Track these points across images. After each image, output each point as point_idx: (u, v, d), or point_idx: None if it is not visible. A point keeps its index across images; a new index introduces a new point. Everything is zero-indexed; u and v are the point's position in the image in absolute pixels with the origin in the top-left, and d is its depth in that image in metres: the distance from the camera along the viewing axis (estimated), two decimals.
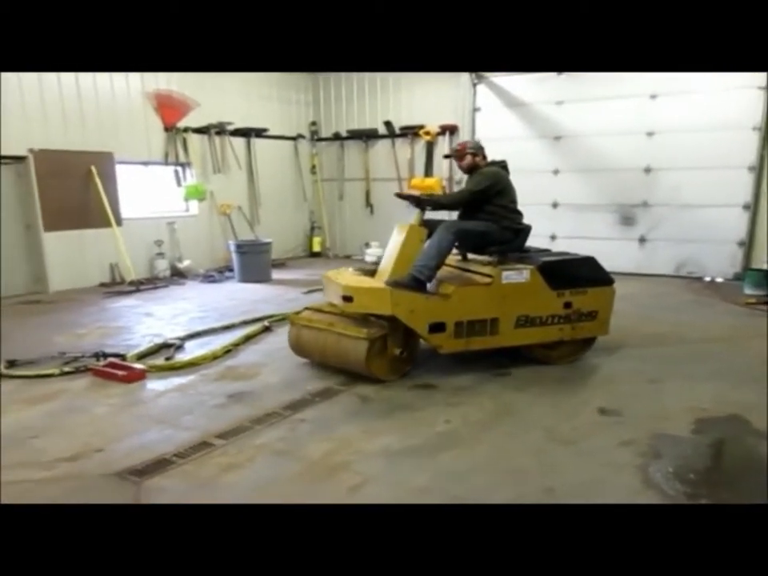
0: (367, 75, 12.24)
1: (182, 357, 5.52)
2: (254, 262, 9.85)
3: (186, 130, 10.53)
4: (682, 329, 6.40)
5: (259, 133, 11.78)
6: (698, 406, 4.20)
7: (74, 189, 9.15)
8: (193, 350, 5.74)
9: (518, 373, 4.99)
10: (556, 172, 10.62)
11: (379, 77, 12.10)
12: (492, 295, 4.78)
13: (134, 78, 9.78)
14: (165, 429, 4.00)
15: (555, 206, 10.70)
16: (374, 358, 4.61)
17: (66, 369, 5.15)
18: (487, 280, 4.84)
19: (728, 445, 3.62)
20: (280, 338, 5.94)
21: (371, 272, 5.23)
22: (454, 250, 5.19)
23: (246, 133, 11.56)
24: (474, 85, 11.16)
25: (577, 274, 5.05)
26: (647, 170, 9.83)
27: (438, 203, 5.15)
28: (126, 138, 9.76)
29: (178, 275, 10.40)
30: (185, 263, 10.57)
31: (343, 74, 12.52)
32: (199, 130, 10.79)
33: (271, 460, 3.54)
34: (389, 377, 4.75)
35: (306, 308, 5.32)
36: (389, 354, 4.72)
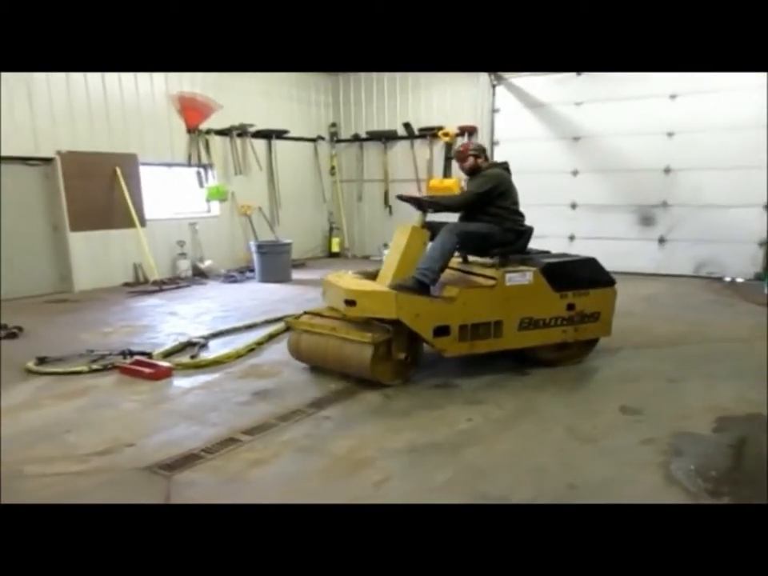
0: (386, 77, 12.33)
1: (206, 355, 5.63)
2: (275, 262, 9.97)
3: (208, 131, 10.68)
4: (702, 329, 6.40)
5: (280, 134, 11.91)
6: (718, 405, 4.22)
7: (99, 190, 9.33)
8: (217, 349, 5.84)
9: (537, 372, 5.03)
10: (575, 173, 10.62)
11: (398, 78, 12.18)
12: (496, 298, 4.75)
13: (159, 80, 9.95)
14: (192, 425, 4.10)
15: (574, 206, 10.71)
16: (379, 363, 4.54)
17: (95, 366, 5.28)
18: (491, 282, 4.80)
19: (749, 443, 3.64)
20: None
21: (372, 275, 5.17)
22: (455, 253, 5.13)
23: (266, 134, 11.70)
24: (493, 86, 11.19)
25: (579, 276, 5.04)
26: (667, 171, 9.81)
27: (440, 205, 5.07)
28: (149, 140, 9.94)
29: (199, 275, 10.54)
30: (206, 263, 10.71)
31: (363, 76, 12.62)
32: (221, 132, 10.95)
33: (297, 456, 3.62)
34: (393, 381, 4.70)
35: (305, 312, 5.24)
36: (393, 358, 4.64)
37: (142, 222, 9.81)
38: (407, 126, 12.07)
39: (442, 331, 4.63)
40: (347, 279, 5.06)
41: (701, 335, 6.15)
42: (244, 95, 11.26)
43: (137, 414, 4.31)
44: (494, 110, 11.32)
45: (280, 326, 6.50)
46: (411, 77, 12.01)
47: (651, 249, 10.13)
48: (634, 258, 10.18)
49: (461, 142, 11.52)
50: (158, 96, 10.00)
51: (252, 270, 10.37)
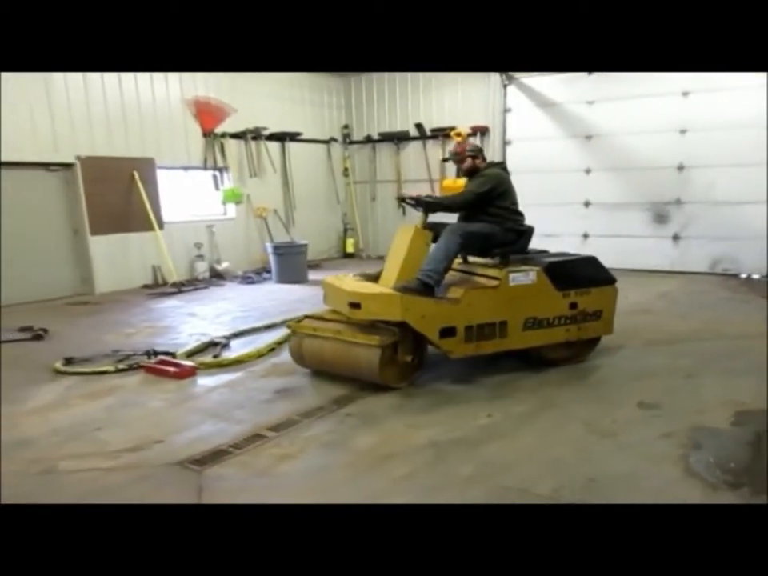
0: (398, 78, 12.43)
1: (228, 354, 5.74)
2: (291, 263, 10.09)
3: (223, 135, 10.83)
4: (718, 325, 6.44)
5: (293, 137, 12.04)
6: (735, 400, 4.27)
7: (117, 194, 9.49)
8: (238, 348, 5.95)
9: (553, 370, 5.09)
10: (588, 171, 10.66)
11: (410, 80, 12.27)
12: (500, 298, 4.73)
13: (174, 85, 10.10)
14: (218, 422, 4.20)
15: (587, 205, 10.74)
16: (386, 366, 4.51)
17: (121, 366, 5.41)
18: (495, 283, 4.78)
19: (766, 436, 3.69)
20: None
21: (374, 277, 5.11)
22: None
23: (280, 137, 11.83)
24: (505, 86, 11.26)
25: (581, 274, 5.04)
26: (680, 168, 9.83)
27: (440, 205, 5.05)
28: (166, 144, 10.10)
29: (216, 277, 10.68)
30: (223, 265, 10.85)
31: (374, 77, 12.72)
32: (236, 135, 11.09)
33: (322, 451, 3.71)
34: (399, 384, 4.68)
35: (306, 316, 5.20)
36: (400, 360, 4.62)
37: (160, 225, 9.96)
38: (419, 126, 12.15)
39: (447, 333, 4.61)
40: (349, 282, 5.01)
41: (716, 332, 6.19)
42: (258, 98, 11.40)
43: (164, 412, 4.42)
44: (505, 110, 11.38)
45: None
46: (422, 78, 12.10)
47: (665, 246, 10.15)
48: (648, 256, 10.21)
49: (473, 141, 11.62)
50: (173, 101, 10.15)
51: (268, 271, 10.49)
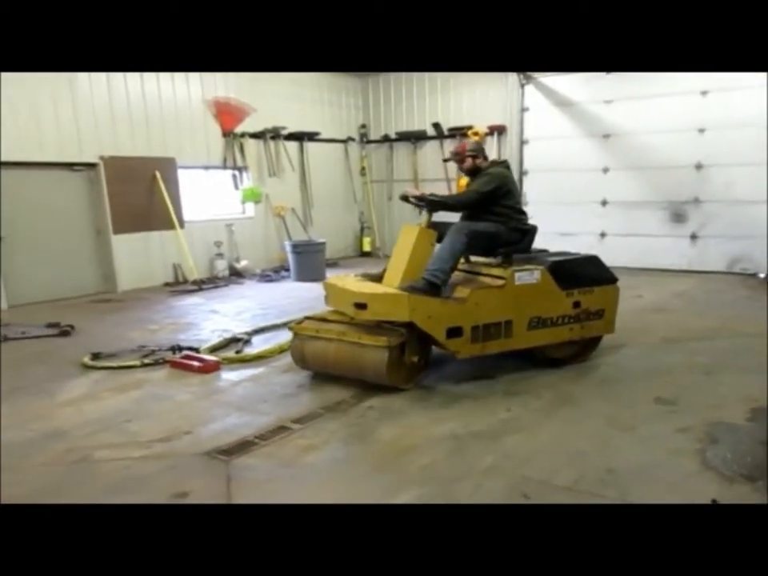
0: (415, 78, 12.51)
1: (250, 350, 5.86)
2: (309, 261, 10.20)
3: (243, 135, 10.99)
4: (736, 323, 6.46)
5: (311, 136, 12.17)
6: (752, 397, 4.31)
7: (139, 193, 9.67)
8: (259, 344, 6.07)
9: (573, 366, 5.16)
10: (605, 170, 10.68)
11: (427, 79, 12.35)
12: (506, 297, 4.70)
13: (195, 86, 10.26)
14: (243, 414, 4.32)
15: (604, 203, 10.76)
16: (393, 367, 4.46)
17: (146, 361, 5.54)
18: (500, 282, 4.75)
19: None
20: None
21: (377, 277, 5.07)
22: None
23: (299, 137, 11.96)
24: (522, 85, 11.31)
25: (584, 273, 5.04)
26: (698, 167, 9.83)
27: (445, 204, 5.02)
28: (187, 144, 10.27)
29: (235, 275, 10.82)
30: (242, 263, 11.00)
31: (392, 77, 12.82)
32: (255, 135, 11.25)
33: (345, 442, 3.82)
34: (406, 385, 4.65)
35: (307, 317, 5.10)
36: (406, 361, 4.61)
37: (181, 224, 10.13)
38: (436, 125, 12.22)
39: (454, 333, 4.57)
40: (353, 282, 4.95)
41: (734, 330, 6.22)
42: (276, 99, 11.53)
43: (190, 405, 4.55)
44: (523, 109, 11.43)
45: None
46: (440, 78, 12.17)
47: (683, 245, 10.15)
48: (665, 255, 10.22)
49: (490, 141, 11.68)
50: (194, 101, 10.32)
51: (287, 270, 10.62)
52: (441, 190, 11.51)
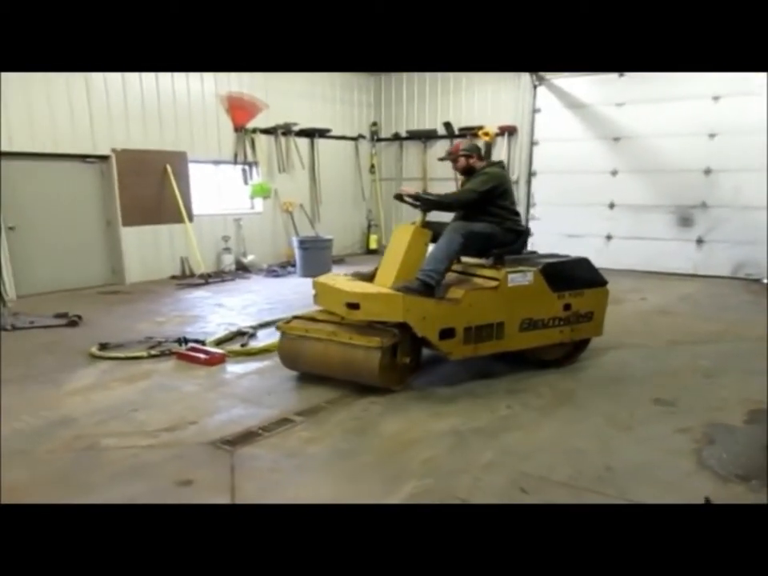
0: (428, 77, 12.56)
1: (255, 344, 5.93)
2: (316, 257, 10.26)
3: (254, 130, 11.04)
4: (740, 327, 6.49)
5: (322, 133, 12.23)
6: (752, 399, 4.35)
7: (150, 186, 9.74)
8: (265, 339, 6.12)
9: (575, 366, 5.21)
10: (614, 173, 10.71)
11: (440, 79, 12.39)
12: (499, 298, 4.65)
13: (209, 81, 10.33)
14: (248, 406, 4.39)
15: (612, 206, 10.79)
16: (385, 368, 4.41)
17: (153, 352, 5.62)
18: (493, 283, 4.69)
19: None
20: None
21: (368, 277, 5.01)
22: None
23: (309, 133, 12.02)
24: (535, 87, 11.33)
25: (575, 276, 5.03)
26: (707, 172, 9.84)
27: (441, 203, 4.96)
28: (199, 138, 10.34)
29: (242, 269, 10.90)
30: (249, 258, 11.07)
31: (404, 76, 12.87)
32: (267, 131, 11.30)
33: (348, 435, 3.87)
34: (397, 386, 4.60)
35: (295, 317, 5.01)
36: (399, 362, 4.57)
37: (190, 218, 10.20)
38: (447, 125, 12.26)
39: (446, 334, 4.53)
40: (344, 282, 4.86)
41: (738, 334, 6.25)
42: (289, 95, 11.59)
43: (196, 396, 4.62)
44: (534, 110, 11.46)
45: None
46: (453, 77, 12.21)
47: (689, 249, 10.17)
48: (671, 259, 10.25)
49: (501, 141, 11.72)
50: (207, 96, 10.38)
51: (293, 265, 10.69)
52: (450, 189, 11.53)
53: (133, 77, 9.32)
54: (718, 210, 9.85)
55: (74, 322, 6.86)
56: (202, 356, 5.42)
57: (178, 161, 10.02)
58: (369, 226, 13.66)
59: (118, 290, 9.20)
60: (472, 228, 4.78)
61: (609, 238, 10.83)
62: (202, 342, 5.85)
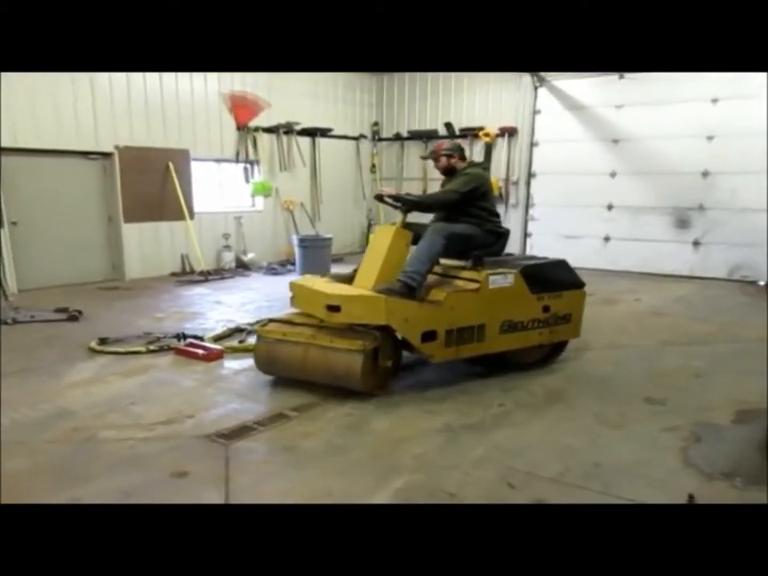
0: (429, 78, 12.62)
1: (253, 341, 5.97)
2: (315, 256, 10.32)
3: (256, 129, 11.12)
4: (734, 329, 6.56)
5: (324, 132, 12.29)
6: (741, 399, 4.42)
7: (152, 183, 9.81)
8: None
9: (567, 365, 5.28)
10: (613, 174, 10.77)
11: (441, 79, 12.46)
12: (480, 300, 4.61)
13: (212, 79, 10.40)
14: (245, 402, 4.45)
15: (610, 208, 10.85)
16: (367, 372, 4.33)
17: (152, 347, 5.69)
18: (474, 285, 4.64)
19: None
20: None
21: (347, 279, 4.94)
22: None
23: (311, 132, 12.08)
24: (536, 88, 11.38)
25: (554, 278, 5.03)
26: (705, 174, 9.90)
27: (422, 204, 4.96)
28: (201, 137, 10.42)
29: (242, 267, 10.97)
30: (249, 256, 11.15)
31: (406, 77, 12.94)
32: (269, 130, 11.37)
33: (341, 431, 3.94)
34: (379, 391, 4.54)
35: (271, 320, 4.92)
36: (380, 366, 4.49)
37: (191, 215, 10.27)
38: (448, 125, 12.31)
39: (428, 336, 4.47)
40: (323, 284, 4.77)
41: (732, 335, 6.31)
42: (291, 94, 11.66)
43: (194, 390, 4.68)
44: (535, 112, 11.51)
45: None
46: (454, 78, 12.28)
47: (686, 251, 10.24)
48: (667, 260, 10.31)
49: (501, 142, 11.78)
50: (210, 94, 10.46)
51: (293, 263, 10.75)
52: None
53: (137, 75, 9.40)
54: (715, 212, 9.91)
55: (74, 317, 6.92)
56: (200, 352, 5.48)
57: (181, 158, 10.09)
58: (369, 225, 13.72)
59: (119, 285, 9.27)
60: (453, 229, 4.74)
61: (607, 239, 10.89)
62: (201, 338, 5.92)
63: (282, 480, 3.29)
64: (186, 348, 5.61)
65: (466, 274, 4.81)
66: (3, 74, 7.91)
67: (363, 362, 4.25)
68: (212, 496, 3.10)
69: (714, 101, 9.71)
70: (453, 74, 12.26)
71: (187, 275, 10.11)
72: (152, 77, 9.59)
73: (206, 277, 9.82)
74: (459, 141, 12.14)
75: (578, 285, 5.20)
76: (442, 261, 5.02)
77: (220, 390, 4.69)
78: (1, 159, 8.06)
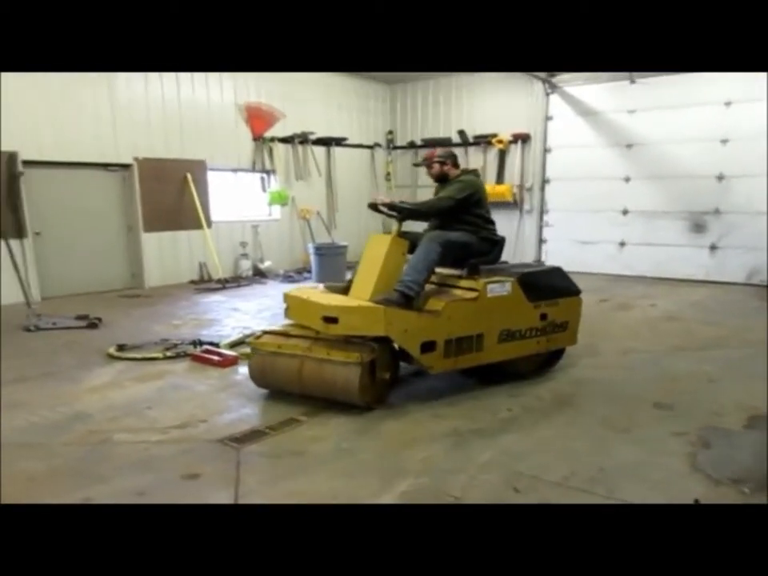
0: (442, 85, 12.70)
1: None
2: (331, 263, 10.42)
3: (272, 139, 11.29)
4: (748, 333, 6.51)
5: (339, 142, 12.43)
6: (752, 405, 4.41)
7: (170, 194, 10.00)
8: None
9: (575, 370, 5.30)
10: (627, 179, 10.75)
11: (454, 87, 12.55)
12: (478, 310, 4.55)
13: (228, 91, 10.60)
14: (257, 406, 4.54)
15: (625, 212, 10.83)
16: (365, 384, 4.24)
17: (169, 353, 5.80)
18: (473, 294, 4.58)
19: None
20: None
21: (342, 289, 4.84)
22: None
23: (326, 142, 12.23)
24: (548, 94, 11.42)
25: (551, 285, 5.00)
26: (720, 178, 9.85)
27: (417, 212, 4.91)
28: (218, 147, 10.60)
29: (259, 275, 11.10)
30: (266, 264, 11.28)
31: (420, 84, 13.03)
32: (284, 140, 11.54)
33: (351, 435, 4.00)
34: (377, 404, 4.42)
35: (266, 332, 4.82)
36: (378, 378, 4.40)
37: (209, 224, 10.43)
38: (462, 133, 12.38)
39: (427, 347, 4.39)
40: (319, 295, 4.69)
41: (745, 340, 6.27)
42: (306, 104, 11.83)
43: (208, 396, 4.78)
44: (547, 118, 11.55)
45: None
46: (467, 86, 12.35)
47: (702, 256, 10.18)
48: (683, 265, 10.26)
49: (514, 148, 11.82)
50: (227, 105, 10.65)
51: (309, 271, 10.86)
52: None
53: (155, 88, 9.62)
54: (731, 216, 9.85)
55: (94, 324, 7.07)
56: (215, 358, 5.59)
57: (198, 169, 10.27)
58: (384, 233, 13.77)
59: (138, 293, 9.44)
60: (449, 237, 4.70)
61: (622, 244, 10.86)
62: (216, 345, 6.02)
63: (290, 482, 3.36)
64: (202, 354, 5.71)
65: (463, 282, 4.75)
66: (26, 88, 8.13)
67: (361, 374, 4.16)
68: (222, 497, 3.18)
69: (728, 104, 9.67)
70: (465, 83, 12.35)
71: (205, 283, 10.26)
72: (170, 89, 9.80)
73: (224, 284, 9.96)
74: (473, 147, 12.32)
75: (574, 292, 5.18)
76: (438, 270, 4.91)
77: (233, 395, 4.78)
78: (24, 172, 8.27)
